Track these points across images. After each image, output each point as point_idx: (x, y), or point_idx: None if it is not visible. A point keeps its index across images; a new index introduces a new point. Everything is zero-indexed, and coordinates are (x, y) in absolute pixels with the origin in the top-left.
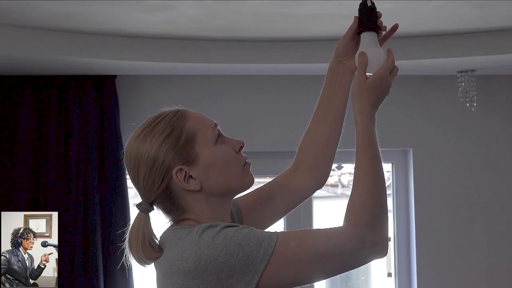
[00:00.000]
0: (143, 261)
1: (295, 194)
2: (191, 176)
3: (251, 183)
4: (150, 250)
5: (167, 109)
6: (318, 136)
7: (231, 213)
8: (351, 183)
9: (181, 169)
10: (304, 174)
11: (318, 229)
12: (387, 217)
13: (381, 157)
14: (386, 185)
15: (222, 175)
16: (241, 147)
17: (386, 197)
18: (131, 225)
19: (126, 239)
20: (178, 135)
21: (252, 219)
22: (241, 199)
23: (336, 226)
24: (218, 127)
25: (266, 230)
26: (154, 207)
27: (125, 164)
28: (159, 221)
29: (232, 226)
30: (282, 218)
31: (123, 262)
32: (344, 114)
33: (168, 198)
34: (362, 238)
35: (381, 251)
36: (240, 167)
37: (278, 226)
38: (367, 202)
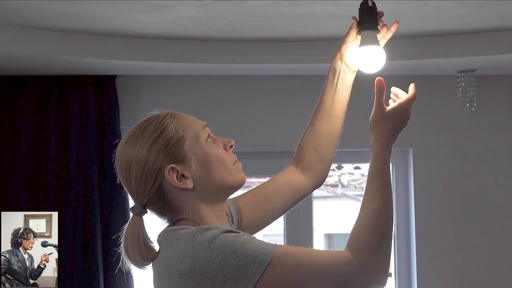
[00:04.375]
0: (140, 263)
1: (295, 192)
2: (183, 175)
3: (242, 180)
4: (146, 252)
5: (156, 112)
6: (319, 134)
7: (230, 213)
8: (351, 183)
9: (173, 168)
10: (304, 172)
11: (317, 249)
12: (389, 248)
13: (391, 188)
14: None
15: (214, 173)
16: (231, 146)
17: (391, 228)
18: (125, 229)
19: (122, 244)
20: (168, 136)
21: (251, 218)
22: (240, 198)
23: (336, 250)
24: (208, 128)
25: (267, 241)
26: (148, 210)
27: (116, 169)
28: (155, 224)
29: (232, 232)
30: (282, 218)
31: (120, 267)
32: (344, 113)
33: (161, 199)
34: (360, 264)
35: (379, 281)
36: (230, 165)
37: (278, 226)
38: (370, 229)
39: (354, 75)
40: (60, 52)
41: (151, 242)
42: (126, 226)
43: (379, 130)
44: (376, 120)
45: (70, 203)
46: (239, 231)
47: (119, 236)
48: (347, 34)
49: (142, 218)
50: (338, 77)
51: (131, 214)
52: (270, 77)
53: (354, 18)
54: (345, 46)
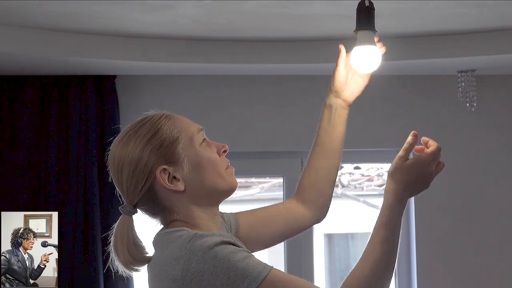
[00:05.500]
0: (129, 263)
1: (294, 220)
2: (174, 177)
3: (234, 185)
4: (136, 251)
5: (151, 112)
6: (317, 173)
7: (230, 223)
8: (351, 183)
9: (164, 169)
10: (306, 205)
11: (312, 285)
12: None
13: (397, 241)
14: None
15: (206, 176)
16: (225, 151)
17: (387, 279)
18: (114, 228)
19: (111, 243)
20: (162, 137)
21: (247, 236)
22: (242, 214)
23: None
24: (203, 131)
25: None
26: (138, 210)
27: (108, 167)
28: (147, 224)
29: (230, 244)
30: None
31: (109, 266)
32: (342, 148)
33: (152, 199)
34: None
35: None
36: (223, 169)
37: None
38: (366, 279)
39: (348, 108)
40: (60, 52)
41: (141, 242)
42: (115, 225)
43: (394, 179)
44: (395, 168)
45: (70, 203)
46: (240, 245)
47: (108, 235)
48: (336, 69)
49: (132, 217)
50: (335, 114)
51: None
52: (270, 77)
53: (341, 46)
54: (338, 81)
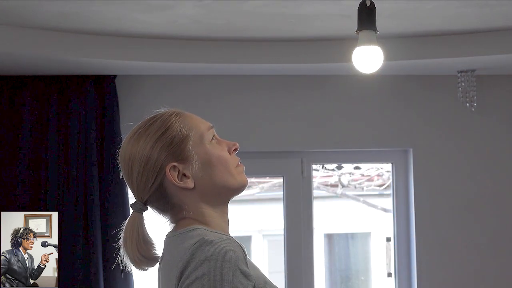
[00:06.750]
0: (138, 260)
1: None
2: (184, 175)
3: (244, 183)
4: (145, 248)
5: (163, 110)
6: None
7: None
8: (351, 183)
9: (174, 166)
10: None
11: None
12: None
13: None
14: (386, 185)
15: (215, 174)
16: (235, 149)
17: None
18: (125, 225)
19: (121, 239)
20: (172, 134)
21: None
22: None
23: None
24: (214, 129)
25: None
26: (149, 207)
27: (119, 164)
28: (157, 223)
29: (240, 271)
30: (282, 218)
31: (119, 263)
32: None
33: (162, 196)
34: None
35: None
36: (233, 167)
37: (278, 226)
38: None
39: None
40: (60, 52)
41: (151, 239)
42: (126, 222)
43: None
44: None
45: (70, 203)
46: (244, 270)
47: (118, 232)
48: None
49: (142, 215)
50: None
51: (131, 211)
52: (269, 77)
53: None
54: None
